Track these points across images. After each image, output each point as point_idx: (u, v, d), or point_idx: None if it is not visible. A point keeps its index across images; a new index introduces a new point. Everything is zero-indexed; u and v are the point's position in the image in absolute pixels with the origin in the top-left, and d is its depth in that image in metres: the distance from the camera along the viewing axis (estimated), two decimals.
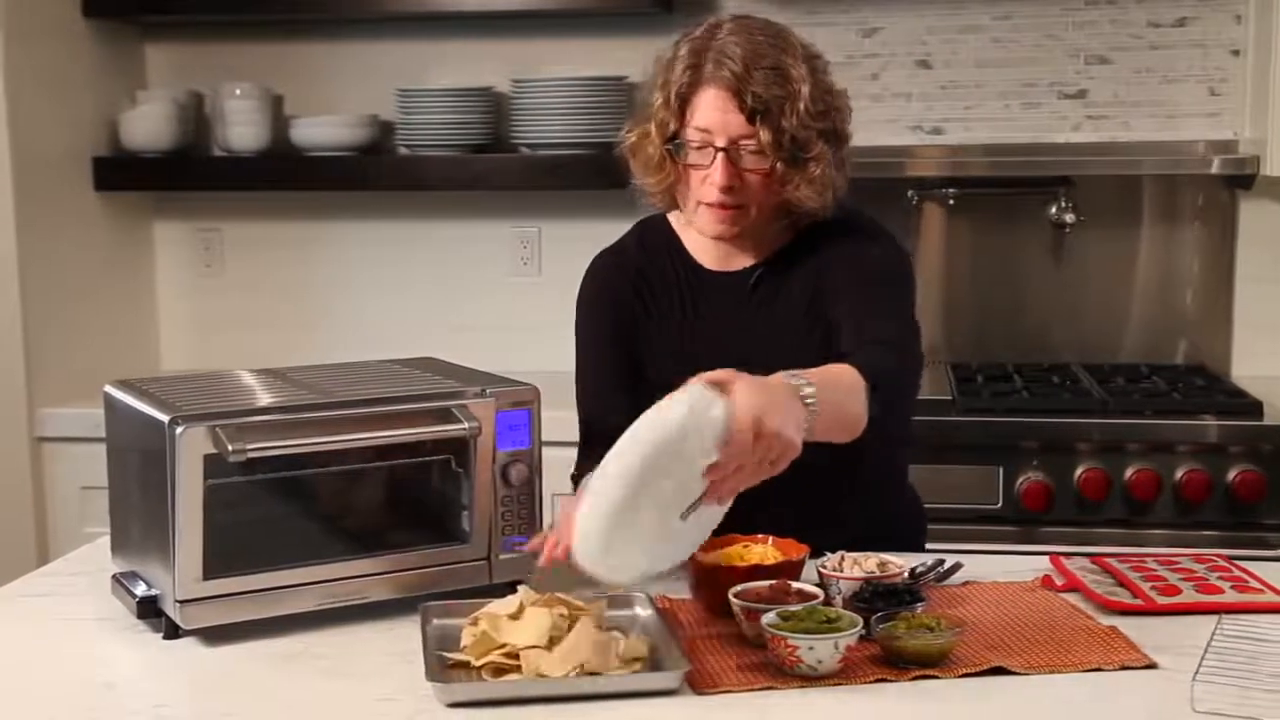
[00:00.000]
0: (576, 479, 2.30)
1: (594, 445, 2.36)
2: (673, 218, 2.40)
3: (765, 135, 2.14)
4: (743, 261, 2.33)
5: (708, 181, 2.19)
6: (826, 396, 1.90)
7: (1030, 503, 3.28)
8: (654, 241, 2.39)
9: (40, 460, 3.71)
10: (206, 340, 4.22)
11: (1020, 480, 3.30)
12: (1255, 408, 3.33)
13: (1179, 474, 3.26)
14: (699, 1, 3.89)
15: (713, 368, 2.26)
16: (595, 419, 2.36)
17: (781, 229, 2.31)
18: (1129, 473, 3.27)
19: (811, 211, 2.25)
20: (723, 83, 2.14)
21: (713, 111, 2.16)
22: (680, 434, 1.74)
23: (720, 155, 2.16)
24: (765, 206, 2.23)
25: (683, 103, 2.19)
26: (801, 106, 2.14)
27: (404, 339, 3.70)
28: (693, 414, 1.75)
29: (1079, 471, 3.28)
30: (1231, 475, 3.24)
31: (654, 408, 1.76)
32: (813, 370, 1.96)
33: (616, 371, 2.37)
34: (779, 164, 2.16)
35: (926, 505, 3.24)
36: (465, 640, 1.85)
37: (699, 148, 2.18)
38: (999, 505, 3.31)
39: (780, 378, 1.90)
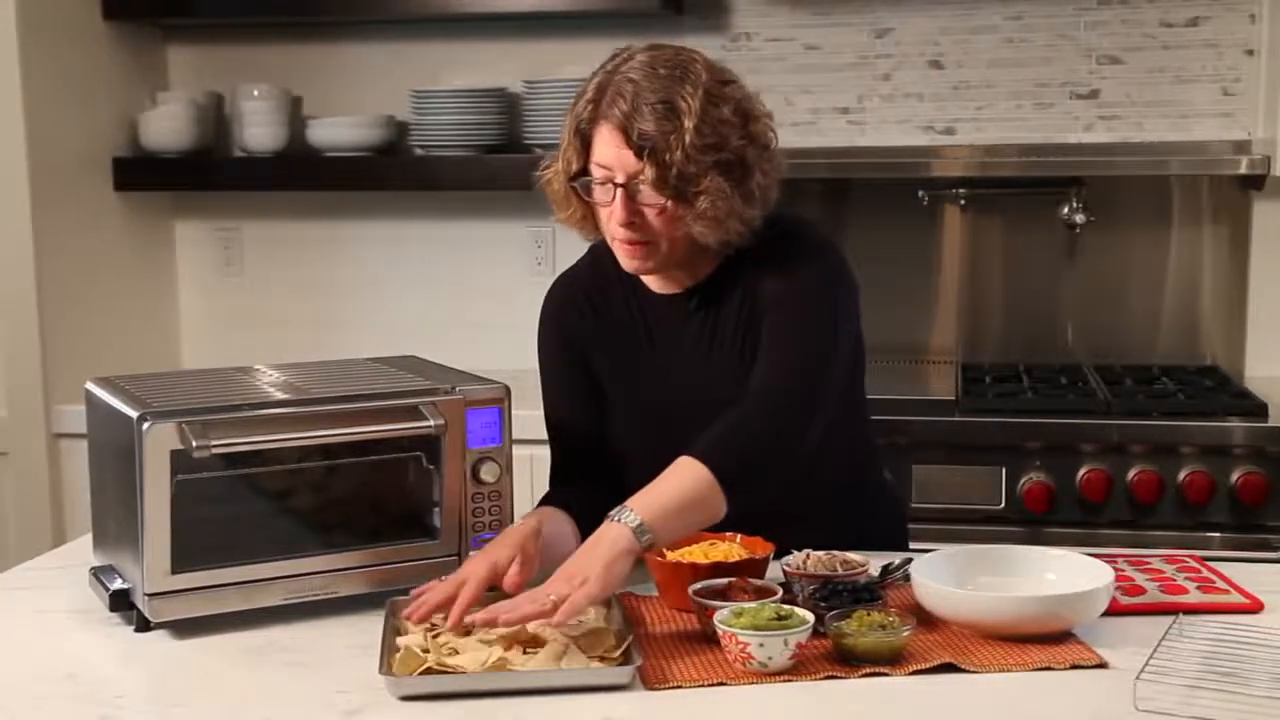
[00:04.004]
0: (549, 500, 2.30)
1: (565, 476, 2.36)
2: None
3: (651, 171, 2.10)
4: (680, 284, 2.30)
5: (612, 218, 2.17)
6: (662, 515, 2.01)
7: (1032, 503, 3.28)
8: (605, 266, 2.36)
9: (58, 456, 3.76)
10: (226, 339, 4.27)
11: (1023, 481, 3.29)
12: (1260, 409, 3.31)
13: (1182, 475, 3.24)
14: (709, 2, 3.91)
15: (662, 389, 2.30)
16: (565, 452, 2.37)
17: (714, 251, 2.26)
18: (1132, 474, 3.26)
19: (721, 243, 2.20)
20: (614, 120, 2.11)
21: (608, 149, 2.13)
22: None
23: (619, 191, 2.14)
24: (676, 240, 2.18)
25: (584, 139, 2.17)
26: (687, 140, 2.08)
27: (420, 337, 3.72)
28: None
29: (1082, 472, 3.27)
30: (1235, 477, 3.22)
31: None
32: (648, 490, 2.05)
33: (578, 401, 2.37)
34: (669, 201, 2.12)
35: (929, 505, 3.28)
36: (410, 640, 1.88)
37: (601, 184, 2.16)
38: (1001, 506, 3.31)
39: (604, 528, 2.00)
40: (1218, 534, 3.23)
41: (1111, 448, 3.28)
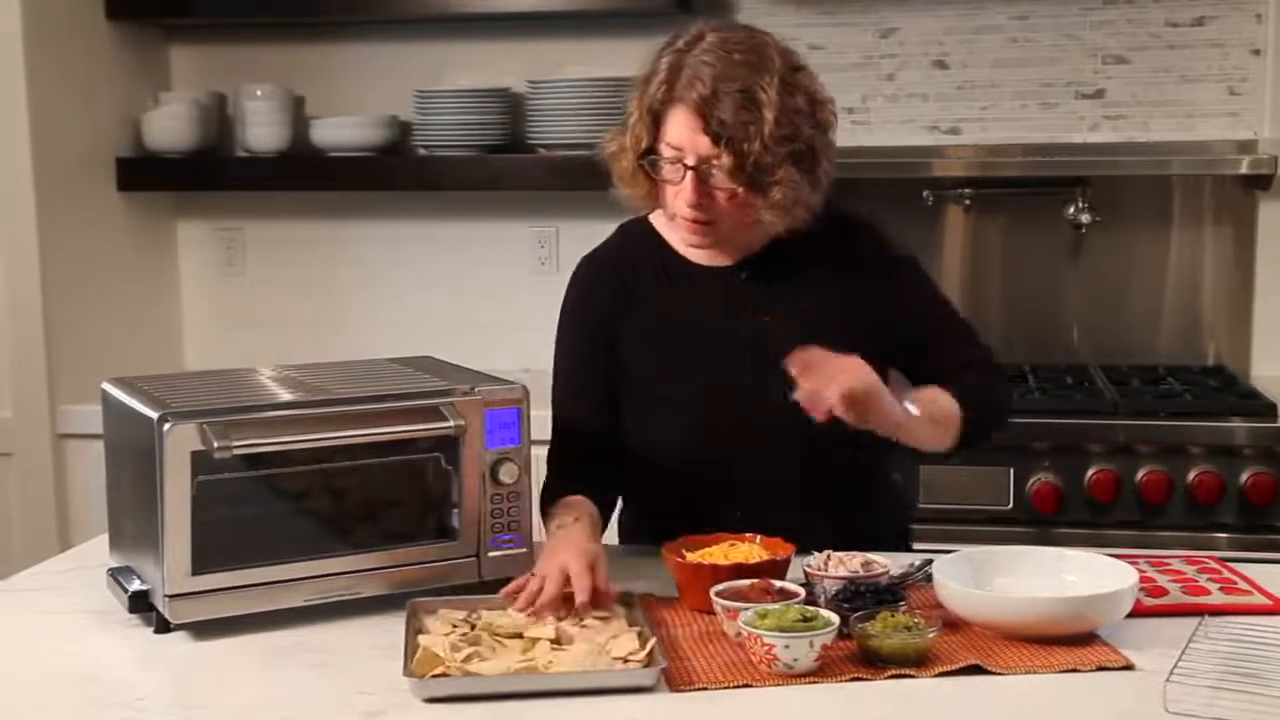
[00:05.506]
0: (545, 494, 2.29)
1: (566, 460, 2.34)
2: (655, 217, 2.39)
3: (727, 159, 2.12)
4: (729, 256, 2.32)
5: (679, 197, 2.19)
6: (923, 414, 2.16)
7: (1041, 504, 3.27)
8: (637, 243, 2.38)
9: (63, 457, 3.75)
10: (229, 339, 4.26)
11: (1031, 481, 3.29)
12: (1269, 409, 3.30)
13: (1191, 476, 3.24)
14: (716, 3, 3.89)
15: (705, 361, 2.29)
16: (569, 433, 2.35)
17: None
18: (1140, 474, 3.26)
19: (787, 229, 2.24)
20: (691, 104, 2.13)
21: (682, 130, 2.15)
22: None
23: (690, 173, 2.16)
24: (739, 222, 2.22)
25: (656, 118, 2.19)
26: (766, 131, 2.11)
27: (423, 337, 3.71)
28: None
29: (1090, 473, 3.27)
30: (1244, 477, 3.22)
31: None
32: (923, 394, 2.20)
33: (594, 386, 2.36)
34: (741, 187, 2.15)
35: (936, 506, 3.26)
36: (430, 640, 1.87)
37: (671, 163, 2.18)
38: (1009, 506, 3.31)
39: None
40: (1227, 535, 3.23)
41: (1120, 448, 3.28)
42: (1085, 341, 3.88)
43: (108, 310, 3.93)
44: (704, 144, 2.13)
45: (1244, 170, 3.66)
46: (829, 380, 2.01)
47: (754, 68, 2.14)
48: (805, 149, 2.17)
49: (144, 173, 4.01)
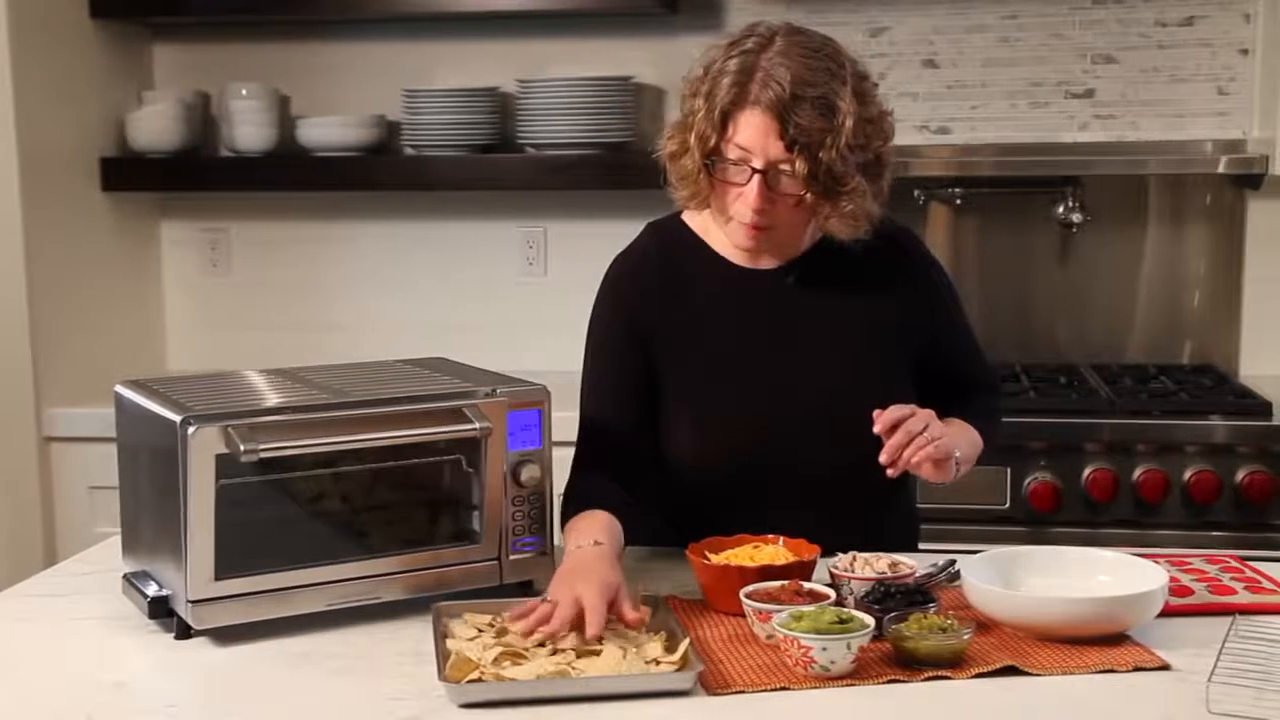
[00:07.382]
0: (568, 498, 2.24)
1: (593, 461, 2.30)
2: (689, 217, 2.36)
3: (801, 166, 2.09)
4: (774, 259, 2.30)
5: (741, 200, 2.16)
6: (964, 454, 2.24)
7: (1038, 503, 3.28)
8: (673, 243, 2.35)
9: (48, 460, 3.70)
10: (213, 340, 4.22)
11: (1028, 481, 3.30)
12: (1264, 408, 3.32)
13: (1188, 475, 3.25)
14: (705, 3, 3.88)
15: (745, 363, 2.29)
16: (597, 434, 2.31)
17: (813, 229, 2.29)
18: (1137, 473, 3.26)
19: (850, 239, 2.24)
20: (767, 106, 2.09)
21: (754, 133, 2.11)
22: None
23: (756, 177, 2.13)
24: (797, 227, 2.23)
25: (724, 118, 2.14)
26: (843, 140, 2.09)
27: (411, 339, 3.71)
28: None
29: (1087, 472, 3.28)
30: (1240, 476, 3.24)
31: None
32: (959, 429, 2.27)
33: (626, 389, 2.31)
34: (811, 194, 2.13)
35: (934, 505, 3.25)
36: (460, 645, 1.86)
37: (736, 165, 2.15)
38: (1007, 506, 3.31)
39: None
40: (1223, 533, 3.24)
41: (1116, 447, 3.29)
42: (1075, 341, 3.89)
43: (92, 312, 3.88)
44: (777, 148, 2.10)
45: (1233, 170, 3.68)
46: (915, 442, 2.09)
47: (831, 74, 2.11)
48: (873, 159, 2.16)
49: (128, 173, 3.96)
